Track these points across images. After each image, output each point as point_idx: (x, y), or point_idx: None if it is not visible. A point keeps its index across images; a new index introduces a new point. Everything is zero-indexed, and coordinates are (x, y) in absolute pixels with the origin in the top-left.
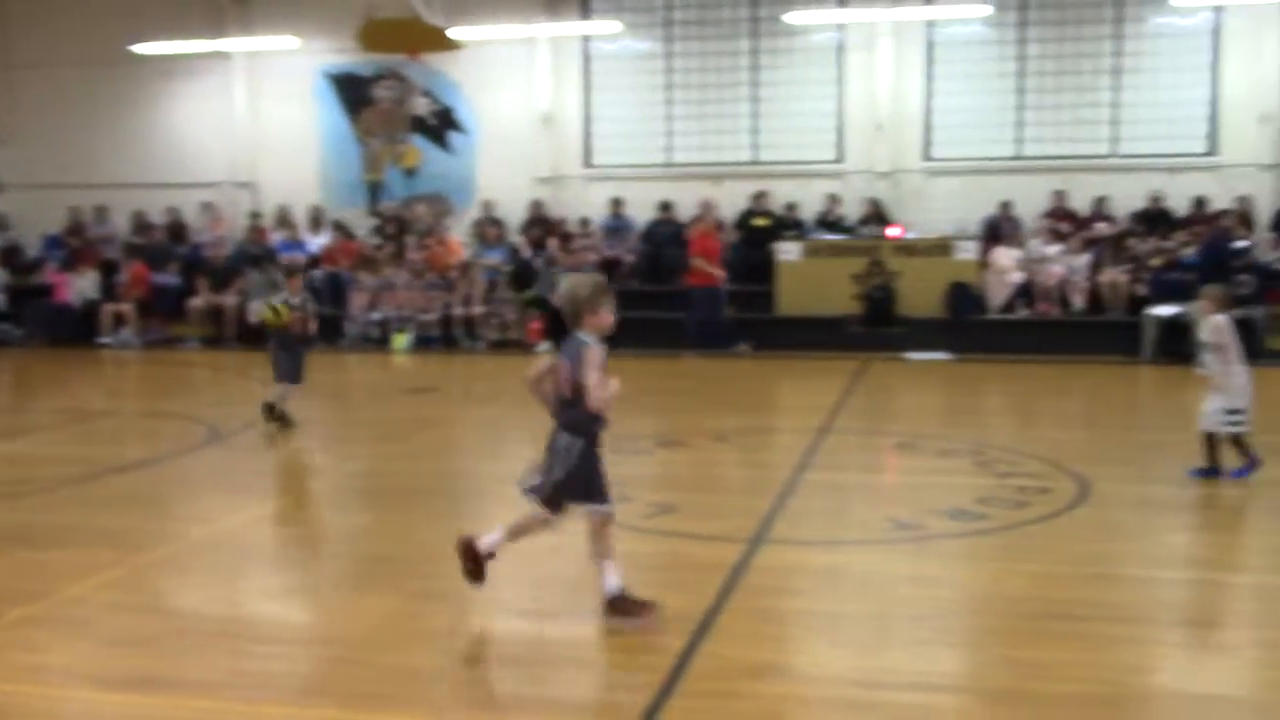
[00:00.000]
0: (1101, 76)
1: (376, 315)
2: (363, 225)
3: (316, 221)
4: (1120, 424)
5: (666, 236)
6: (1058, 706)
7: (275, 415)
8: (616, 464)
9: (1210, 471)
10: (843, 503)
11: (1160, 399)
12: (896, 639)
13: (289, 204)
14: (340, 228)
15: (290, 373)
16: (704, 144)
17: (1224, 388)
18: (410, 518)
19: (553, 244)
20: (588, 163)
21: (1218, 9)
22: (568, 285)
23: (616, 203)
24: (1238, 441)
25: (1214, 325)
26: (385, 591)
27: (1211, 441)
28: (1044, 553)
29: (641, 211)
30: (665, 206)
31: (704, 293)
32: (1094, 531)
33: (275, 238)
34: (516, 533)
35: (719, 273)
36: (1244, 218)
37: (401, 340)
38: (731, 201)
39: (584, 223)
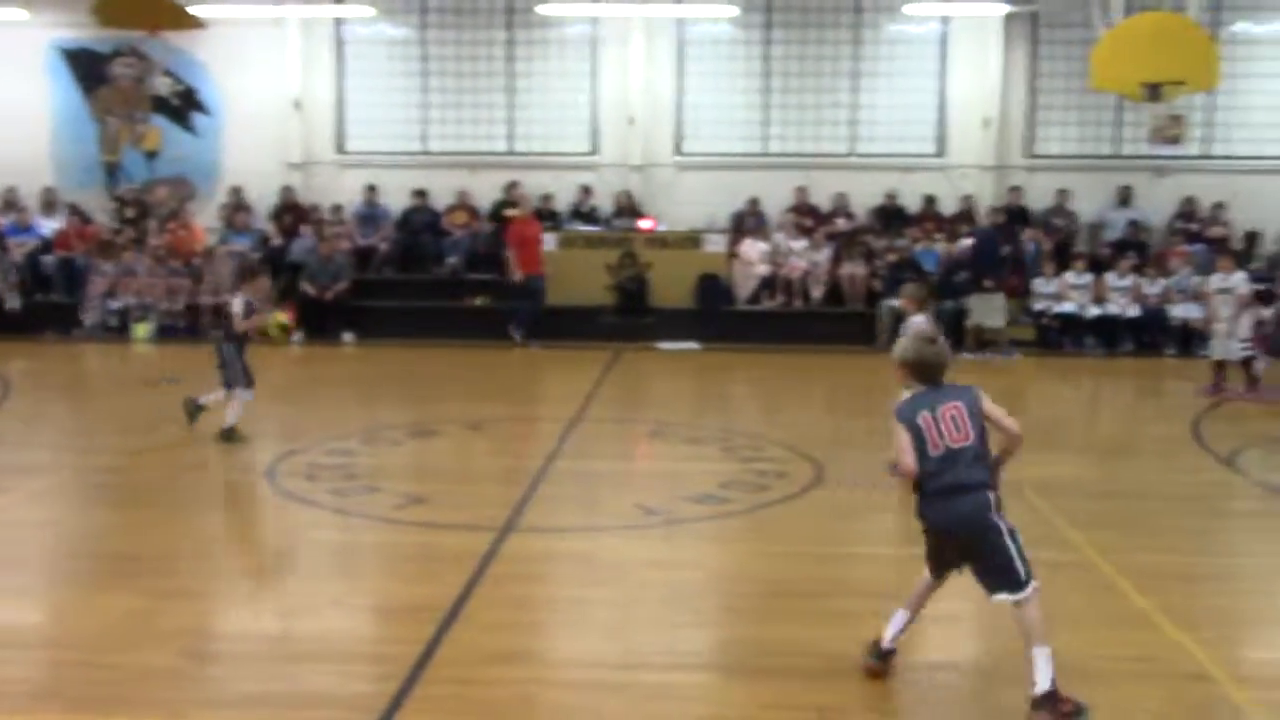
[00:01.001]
0: (841, 79)
1: (115, 303)
2: (101, 208)
3: (49, 204)
4: (856, 410)
5: (422, 224)
6: (795, 679)
7: None
8: (368, 455)
9: None
10: (593, 490)
11: (893, 386)
12: (643, 621)
13: (17, 185)
14: (76, 211)
15: None
16: (460, 133)
17: None
18: (151, 514)
19: (306, 231)
20: (341, 149)
21: (945, 19)
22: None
23: (370, 190)
24: None
25: (913, 325)
26: (122, 591)
27: None
28: (783, 534)
29: (397, 199)
30: (420, 194)
31: (528, 281)
32: (829, 512)
33: (2, 221)
34: None
35: (531, 265)
36: (969, 216)
37: (142, 330)
38: (487, 191)
39: (336, 210)
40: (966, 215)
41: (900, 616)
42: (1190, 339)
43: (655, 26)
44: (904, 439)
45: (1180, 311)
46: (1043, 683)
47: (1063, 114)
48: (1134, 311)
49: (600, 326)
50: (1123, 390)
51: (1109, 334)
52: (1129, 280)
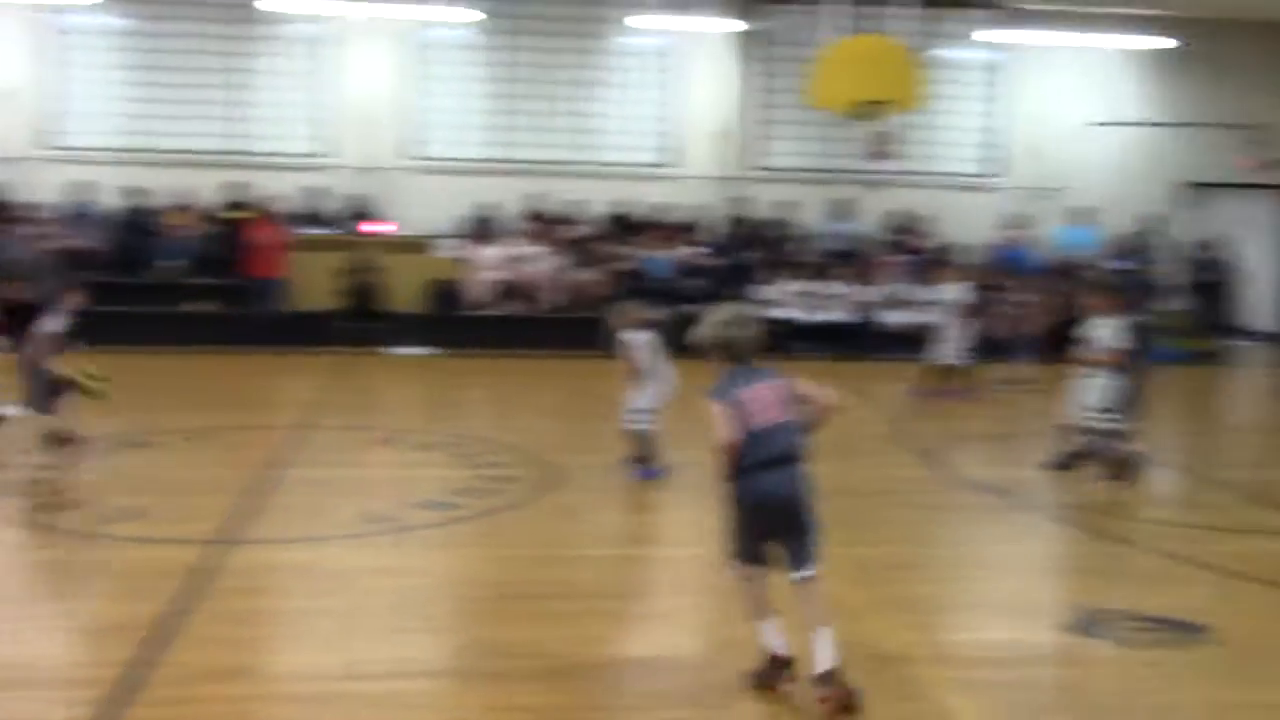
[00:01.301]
0: (577, 88)
1: None
2: None
3: None
4: (589, 414)
5: (138, 225)
6: (526, 681)
7: None
8: (74, 468)
9: (645, 471)
10: (319, 499)
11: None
12: (370, 630)
13: None
14: None
15: None
16: (182, 130)
17: (642, 391)
18: None
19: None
20: (49, 143)
21: (678, 34)
22: None
23: (82, 187)
24: (640, 439)
25: (630, 341)
26: None
27: (638, 439)
28: (510, 538)
29: (114, 198)
30: (138, 194)
31: (264, 284)
32: (557, 515)
33: None
34: None
35: (268, 268)
36: (699, 224)
37: None
38: (210, 192)
39: (38, 208)
40: (697, 224)
41: (770, 626)
42: (901, 344)
43: (392, 28)
44: (722, 414)
45: (889, 318)
46: (826, 661)
47: (787, 128)
48: (849, 318)
49: (330, 332)
50: (837, 392)
51: (826, 339)
52: (844, 288)
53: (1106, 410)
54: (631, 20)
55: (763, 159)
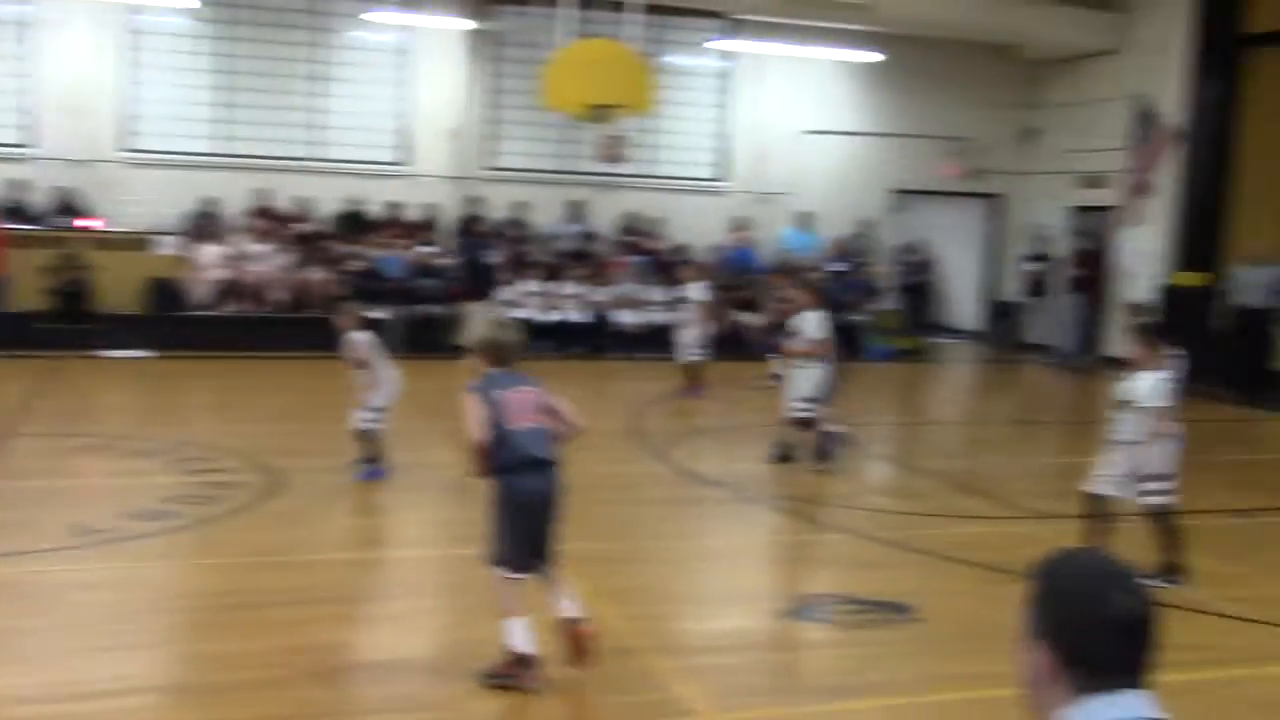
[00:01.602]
0: (305, 82)
1: None
2: None
3: None
4: (316, 417)
5: None
6: (246, 693)
7: None
8: None
9: (371, 471)
10: (25, 512)
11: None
12: (84, 648)
13: None
14: None
15: None
16: None
17: (372, 394)
18: None
19: None
20: None
21: (408, 30)
22: None
23: None
24: (367, 439)
25: (352, 341)
26: None
27: (366, 439)
28: (232, 545)
29: None
30: None
31: None
32: (282, 520)
33: None
34: None
35: None
36: (432, 223)
37: None
38: None
39: None
40: (430, 223)
41: (520, 624)
42: (635, 343)
43: (102, 12)
44: (478, 412)
45: (622, 317)
46: (573, 611)
47: (520, 129)
48: (583, 317)
49: (35, 334)
50: (572, 391)
51: (561, 338)
52: (578, 289)
53: (812, 399)
54: (363, 15)
55: (496, 159)
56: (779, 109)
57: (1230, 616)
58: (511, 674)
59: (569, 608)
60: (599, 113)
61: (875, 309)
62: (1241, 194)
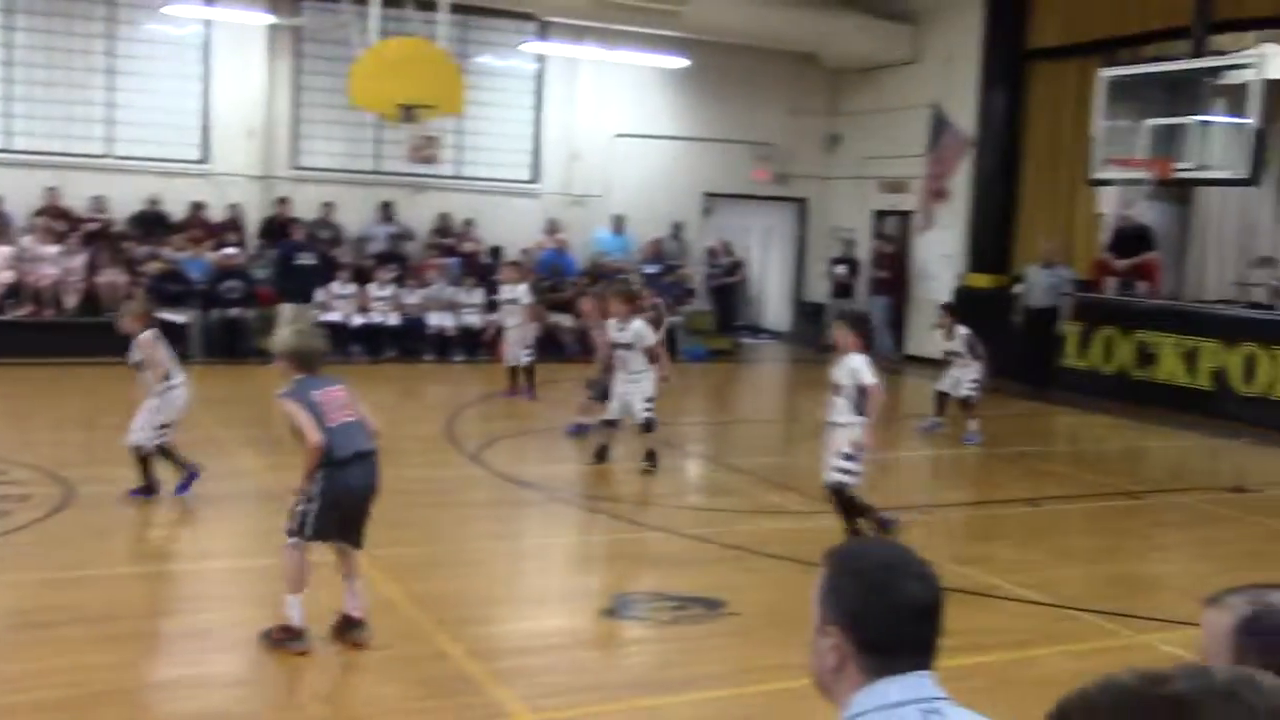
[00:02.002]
0: (97, 75)
1: None
2: None
3: None
4: (113, 425)
5: None
6: (33, 715)
7: None
8: None
9: (144, 491)
10: None
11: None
12: None
13: None
14: None
15: None
16: None
17: (159, 404)
18: None
19: None
20: None
21: (208, 24)
22: None
23: None
24: (165, 452)
25: (141, 340)
26: None
27: (148, 455)
28: (21, 562)
29: None
30: None
31: None
32: (77, 534)
33: None
34: None
35: None
36: (235, 224)
37: None
38: None
39: None
40: (234, 224)
41: (298, 599)
42: (446, 345)
43: None
44: (304, 416)
45: (436, 320)
46: (357, 610)
47: (327, 128)
48: (395, 320)
49: None
50: (386, 395)
51: (373, 342)
52: (390, 291)
53: (648, 400)
54: (161, 7)
55: (303, 158)
56: (591, 112)
57: (1022, 600)
58: (282, 640)
59: (353, 605)
60: (408, 113)
61: (688, 310)
62: (1028, 199)
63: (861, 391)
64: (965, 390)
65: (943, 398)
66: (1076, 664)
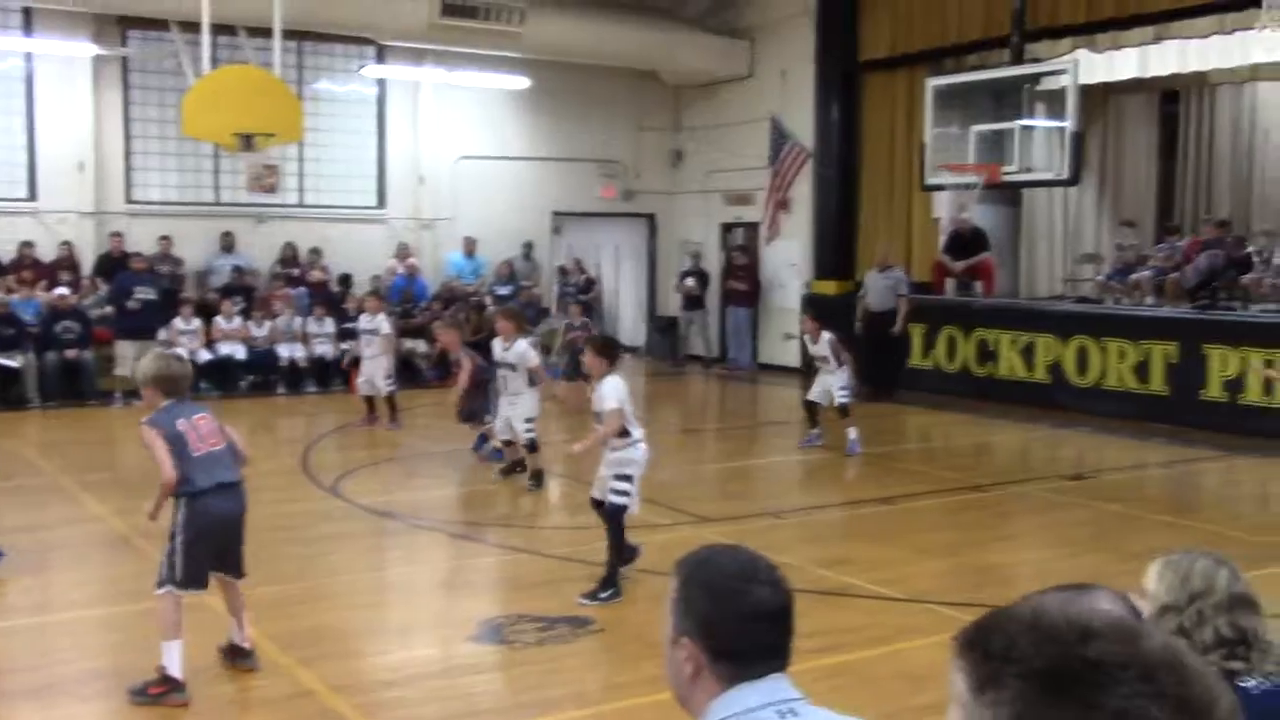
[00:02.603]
0: None
1: None
2: None
3: None
4: None
5: None
6: None
7: None
8: None
9: None
10: None
11: None
12: None
13: None
14: None
15: None
16: None
17: None
18: None
19: None
20: None
21: (29, 56)
22: None
23: None
24: None
25: None
26: None
27: None
28: None
29: None
30: None
31: None
32: None
33: None
34: None
35: None
36: (68, 262)
37: None
38: None
39: None
40: (68, 262)
41: (176, 646)
42: (299, 377)
43: None
44: (160, 447)
45: (286, 351)
46: (243, 640)
47: (162, 159)
48: (243, 354)
49: None
50: (238, 430)
51: (223, 376)
52: (236, 324)
53: (529, 420)
54: None
55: (136, 191)
56: (436, 135)
57: (882, 597)
58: (161, 693)
59: (239, 636)
60: (247, 141)
61: (543, 329)
62: (867, 205)
63: (618, 413)
64: (839, 398)
65: (813, 408)
66: (936, 655)
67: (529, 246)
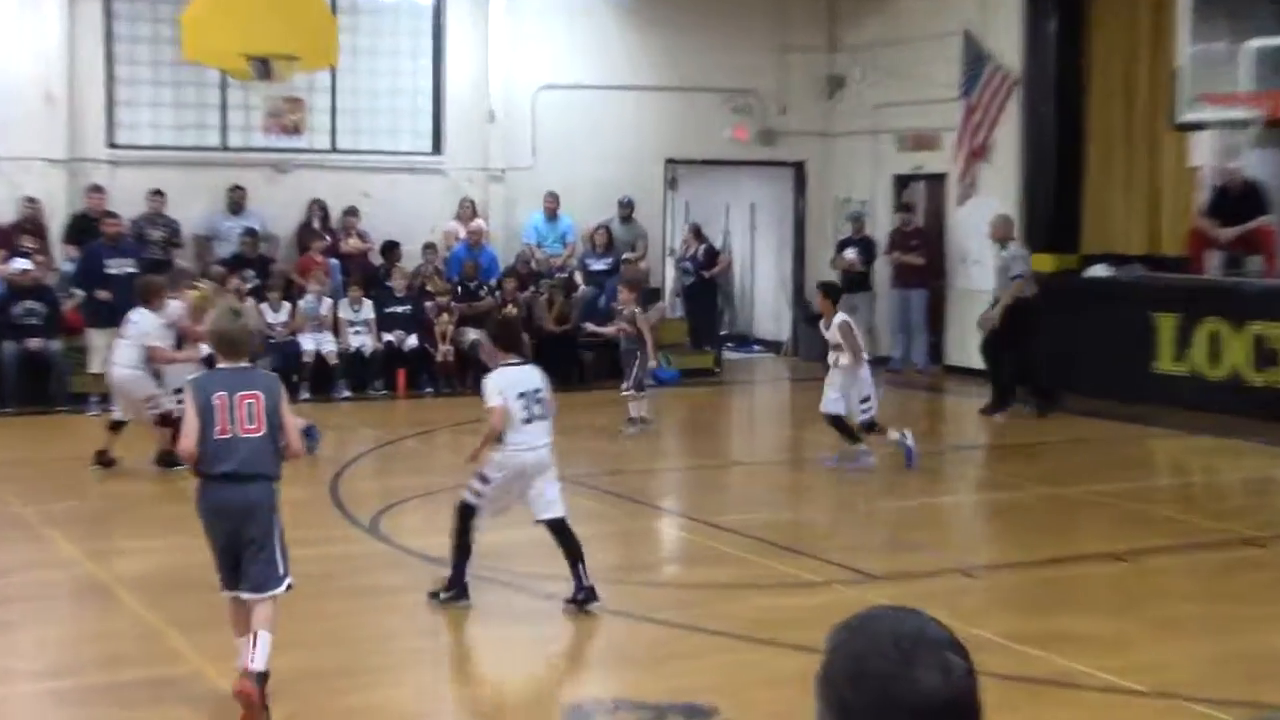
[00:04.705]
0: None
1: None
2: None
3: None
4: None
5: None
6: None
7: None
8: None
9: None
10: None
11: None
12: None
13: None
14: None
15: None
16: None
17: None
18: None
19: None
20: None
21: None
22: None
23: None
24: None
25: None
26: None
27: None
28: None
29: None
30: None
31: None
32: None
33: None
34: None
35: None
36: (32, 225)
37: None
38: None
39: None
40: (32, 225)
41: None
42: (328, 377)
43: None
44: (191, 418)
45: (311, 343)
46: (259, 663)
47: (154, 92)
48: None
49: None
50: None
51: None
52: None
53: None
54: None
55: (120, 133)
56: (510, 57)
57: (1116, 689)
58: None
59: (249, 657)
60: (263, 68)
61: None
62: (1093, 151)
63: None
64: (861, 415)
65: (840, 423)
66: None
67: (628, 206)
